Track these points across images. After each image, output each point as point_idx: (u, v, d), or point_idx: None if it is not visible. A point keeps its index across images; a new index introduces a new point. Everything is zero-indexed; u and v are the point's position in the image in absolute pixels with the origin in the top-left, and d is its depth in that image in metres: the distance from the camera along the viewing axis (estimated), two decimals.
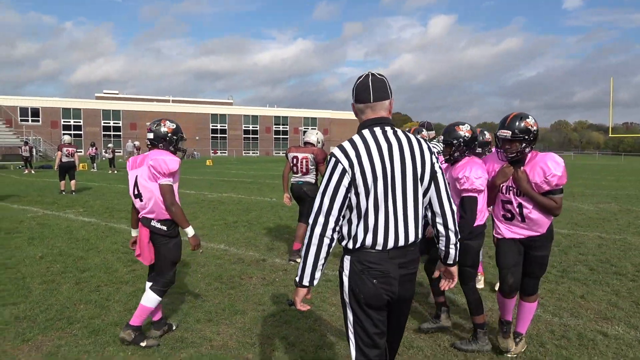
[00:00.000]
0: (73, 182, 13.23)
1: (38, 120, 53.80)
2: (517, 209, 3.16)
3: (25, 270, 5.34)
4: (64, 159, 12.95)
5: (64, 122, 55.94)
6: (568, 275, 5.30)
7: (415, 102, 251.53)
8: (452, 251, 2.24)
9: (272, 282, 5.01)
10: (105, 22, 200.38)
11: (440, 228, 2.20)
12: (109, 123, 58.99)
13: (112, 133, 57.92)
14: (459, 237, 2.25)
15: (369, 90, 2.12)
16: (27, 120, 52.34)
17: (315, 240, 2.04)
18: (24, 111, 53.31)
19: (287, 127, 68.84)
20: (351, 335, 2.16)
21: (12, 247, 6.50)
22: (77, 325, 3.80)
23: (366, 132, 2.10)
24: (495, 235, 3.35)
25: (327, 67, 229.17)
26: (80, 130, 56.74)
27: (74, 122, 56.85)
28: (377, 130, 2.10)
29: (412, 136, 2.14)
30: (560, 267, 5.65)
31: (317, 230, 2.03)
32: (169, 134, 3.45)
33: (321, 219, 2.03)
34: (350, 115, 73.72)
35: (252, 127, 67.29)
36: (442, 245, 2.25)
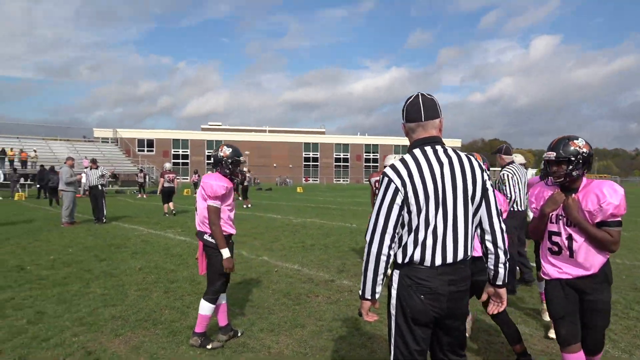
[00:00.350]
0: (171, 204, 14.65)
1: (152, 150, 59.73)
2: (566, 242, 2.84)
3: (125, 279, 6.16)
4: (166, 185, 14.44)
5: (173, 151, 61.54)
6: None
7: (517, 127, 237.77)
8: (501, 270, 2.21)
9: (337, 302, 5.26)
10: (213, 60, 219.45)
11: (490, 245, 2.20)
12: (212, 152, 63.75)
13: None
14: (508, 256, 2.23)
15: (420, 109, 2.16)
16: (143, 150, 58.31)
17: (372, 258, 2.10)
18: (141, 142, 59.61)
19: (378, 154, 69.07)
20: (392, 348, 2.20)
21: (118, 260, 7.47)
22: (160, 326, 4.36)
23: (417, 152, 2.14)
24: (542, 275, 3.02)
25: None
26: (187, 159, 61.94)
27: (182, 151, 62.28)
28: (428, 149, 2.14)
29: (463, 154, 2.19)
30: None
31: (374, 248, 2.09)
32: (224, 159, 3.88)
33: (377, 238, 2.08)
34: (444, 142, 72.10)
35: (343, 155, 68.55)
36: (491, 264, 2.23)
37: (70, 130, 48.53)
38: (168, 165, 15.15)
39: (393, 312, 2.18)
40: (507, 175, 5.74)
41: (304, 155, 67.32)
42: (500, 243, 2.19)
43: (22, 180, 26.15)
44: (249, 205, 18.33)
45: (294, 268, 6.96)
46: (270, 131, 72.08)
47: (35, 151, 32.61)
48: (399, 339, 2.16)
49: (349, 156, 68.69)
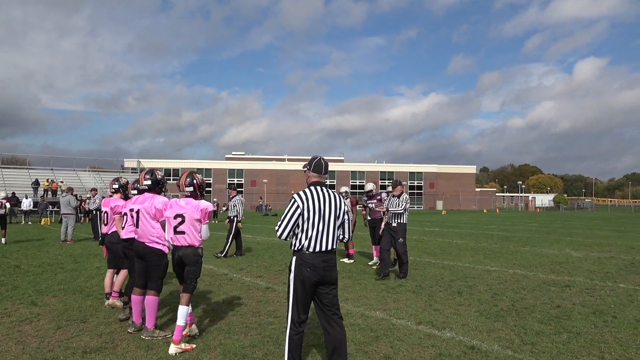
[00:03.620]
0: None
1: (178, 179, 62.77)
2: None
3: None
4: None
5: None
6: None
7: (557, 151, 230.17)
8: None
9: (240, 298, 6.90)
10: (254, 89, 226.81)
11: (343, 238, 3.77)
12: (234, 180, 66.34)
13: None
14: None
15: (322, 167, 3.71)
16: (169, 179, 61.40)
17: (282, 239, 3.56)
18: (167, 172, 62.79)
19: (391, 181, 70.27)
20: (290, 303, 3.51)
21: (83, 264, 9.36)
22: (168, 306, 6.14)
23: (312, 188, 3.65)
24: None
25: (459, 119, 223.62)
26: (210, 187, 64.65)
27: (206, 179, 64.90)
28: (318, 187, 3.66)
29: (334, 192, 3.69)
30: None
31: (282, 235, 3.52)
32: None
33: (282, 229, 3.51)
34: (456, 169, 73.01)
35: (359, 182, 70.03)
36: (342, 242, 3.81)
37: (106, 162, 52.97)
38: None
39: (292, 281, 3.54)
40: (408, 198, 8.47)
41: None
42: (347, 235, 3.77)
43: (50, 208, 28.92)
44: None
45: (244, 279, 8.63)
46: (289, 160, 74.51)
47: (62, 182, 35.57)
48: (294, 297, 3.52)
49: (364, 183, 70.04)
